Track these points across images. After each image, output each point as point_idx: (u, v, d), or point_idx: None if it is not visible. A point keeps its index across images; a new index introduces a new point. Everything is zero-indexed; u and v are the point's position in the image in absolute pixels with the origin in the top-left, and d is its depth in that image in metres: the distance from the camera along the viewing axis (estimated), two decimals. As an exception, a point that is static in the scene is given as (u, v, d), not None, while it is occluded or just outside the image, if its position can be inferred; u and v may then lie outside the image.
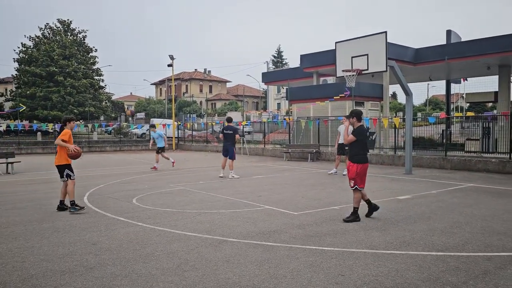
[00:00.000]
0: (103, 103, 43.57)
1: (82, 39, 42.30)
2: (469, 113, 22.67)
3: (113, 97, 68.18)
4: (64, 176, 7.85)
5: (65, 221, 6.99)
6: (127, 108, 77.92)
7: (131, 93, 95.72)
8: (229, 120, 13.56)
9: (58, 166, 7.91)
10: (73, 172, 7.93)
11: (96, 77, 42.22)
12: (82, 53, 41.10)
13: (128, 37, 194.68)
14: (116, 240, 5.75)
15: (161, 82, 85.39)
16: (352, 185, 6.90)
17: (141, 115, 64.94)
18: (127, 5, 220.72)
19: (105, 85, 45.60)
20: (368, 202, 7.09)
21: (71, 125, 8.19)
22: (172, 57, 31.79)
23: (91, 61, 42.16)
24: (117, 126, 38.48)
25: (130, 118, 65.09)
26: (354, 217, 6.82)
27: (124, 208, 8.02)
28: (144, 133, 38.09)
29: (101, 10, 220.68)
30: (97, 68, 42.89)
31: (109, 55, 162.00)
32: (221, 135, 13.51)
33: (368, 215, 7.08)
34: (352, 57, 13.10)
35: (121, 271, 4.51)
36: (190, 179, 12.59)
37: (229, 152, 13.01)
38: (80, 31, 42.30)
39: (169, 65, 32.32)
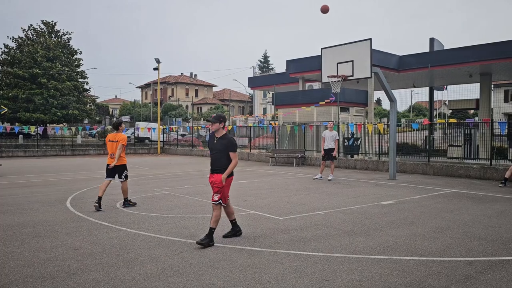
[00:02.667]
0: (87, 106, 43.08)
1: (67, 41, 41.82)
2: (452, 120, 23.06)
3: (98, 100, 67.51)
4: (122, 177, 8.66)
5: (46, 226, 6.87)
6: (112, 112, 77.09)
7: (116, 96, 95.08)
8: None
9: (115, 167, 8.56)
10: (123, 177, 8.71)
11: (80, 80, 41.75)
12: (66, 55, 40.61)
13: (113, 40, 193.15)
14: (98, 245, 5.67)
15: (147, 86, 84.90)
16: (217, 199, 5.74)
17: (126, 118, 64.38)
18: (113, 8, 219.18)
19: (90, 88, 45.15)
20: (234, 222, 6.17)
21: (122, 127, 9.00)
22: (158, 61, 31.64)
23: (76, 63, 41.69)
24: (101, 129, 38.02)
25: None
26: (209, 240, 5.63)
27: (107, 213, 7.92)
28: (129, 137, 37.78)
29: (86, 12, 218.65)
30: (82, 70, 42.44)
31: (94, 57, 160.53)
32: None
33: (227, 235, 6.04)
34: (338, 63, 13.23)
35: (104, 277, 4.45)
36: (175, 184, 12.51)
37: None
38: (65, 33, 41.82)
39: (155, 69, 32.14)
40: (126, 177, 8.71)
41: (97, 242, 5.83)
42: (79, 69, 42.02)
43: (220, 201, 5.80)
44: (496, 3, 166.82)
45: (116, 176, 8.67)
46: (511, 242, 5.86)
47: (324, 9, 10.25)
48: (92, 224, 6.95)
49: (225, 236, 6.07)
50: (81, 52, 42.52)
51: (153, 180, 13.61)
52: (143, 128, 32.79)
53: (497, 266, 4.84)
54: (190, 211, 8.13)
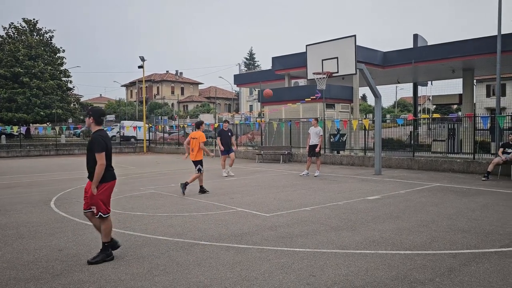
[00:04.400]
0: (71, 105, 42.49)
1: (49, 39, 41.14)
2: (436, 115, 23.38)
3: (82, 99, 66.70)
4: (196, 170, 9.96)
5: (30, 227, 6.77)
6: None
7: (100, 95, 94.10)
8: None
9: (194, 161, 10.02)
10: (202, 167, 10.06)
11: (64, 79, 41.13)
12: (49, 54, 39.94)
13: (97, 38, 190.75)
14: (83, 246, 5.61)
15: (132, 84, 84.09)
16: (96, 212, 5.02)
17: (111, 117, 63.71)
18: (97, 5, 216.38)
19: (74, 87, 44.55)
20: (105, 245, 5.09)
21: (203, 127, 10.52)
22: (142, 59, 31.35)
23: (59, 62, 41.04)
24: (86, 128, 37.54)
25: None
26: (104, 255, 4.95)
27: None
28: (114, 136, 37.36)
29: (68, 10, 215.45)
30: (65, 69, 41.80)
31: (78, 56, 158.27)
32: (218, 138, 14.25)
33: (92, 262, 4.88)
34: (323, 60, 13.28)
35: (89, 277, 4.40)
36: (161, 182, 12.44)
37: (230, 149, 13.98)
38: (47, 31, 41.12)
39: (140, 67, 31.85)
40: (199, 170, 9.98)
41: (82, 243, 5.76)
42: (62, 68, 41.37)
43: (100, 213, 4.97)
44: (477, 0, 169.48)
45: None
46: (494, 235, 5.96)
47: (267, 94, 11.23)
48: (77, 225, 6.87)
49: (90, 263, 4.83)
50: (64, 51, 41.87)
51: (139, 179, 13.51)
52: (129, 127, 32.49)
53: (480, 258, 4.92)
54: (176, 209, 8.09)
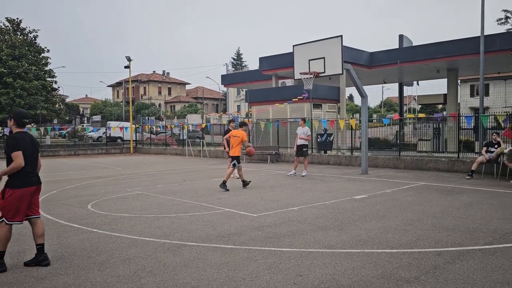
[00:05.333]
0: (57, 106, 42.00)
1: (33, 39, 40.61)
2: (421, 115, 23.65)
3: (68, 100, 65.90)
4: (231, 165, 10.85)
5: (13, 229, 6.63)
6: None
7: (86, 95, 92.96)
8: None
9: (232, 156, 10.98)
10: (239, 163, 10.99)
11: (48, 79, 40.65)
12: (33, 54, 39.45)
13: (83, 38, 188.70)
14: (69, 248, 5.54)
15: (118, 84, 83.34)
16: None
17: (97, 118, 63.08)
18: (82, 5, 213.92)
19: (59, 87, 44.06)
20: (39, 248, 4.89)
21: (244, 128, 11.86)
22: (129, 59, 31.09)
23: (43, 62, 40.55)
24: (71, 129, 37.11)
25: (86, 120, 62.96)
26: (38, 260, 4.81)
27: (78, 215, 7.74)
28: (101, 137, 37.02)
29: (53, 10, 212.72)
30: (50, 69, 41.30)
31: (63, 56, 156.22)
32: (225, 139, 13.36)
33: (29, 263, 4.83)
34: (310, 60, 13.33)
35: (74, 280, 4.35)
36: (148, 183, 12.35)
37: None
38: (31, 30, 40.61)
39: (126, 67, 31.58)
40: (234, 165, 10.85)
41: (67, 245, 5.69)
42: (47, 68, 40.89)
43: (4, 219, 4.67)
44: (462, 1, 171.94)
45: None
46: (478, 232, 6.06)
47: (250, 152, 12.08)
48: (62, 227, 6.79)
49: (26, 264, 4.82)
50: (48, 51, 41.40)
51: (126, 180, 13.39)
52: (115, 128, 32.20)
53: (464, 255, 4.99)
54: (163, 210, 8.04)
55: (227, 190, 10.36)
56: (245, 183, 10.97)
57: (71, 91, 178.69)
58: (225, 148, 13.38)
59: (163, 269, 4.66)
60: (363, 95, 13.98)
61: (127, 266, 4.78)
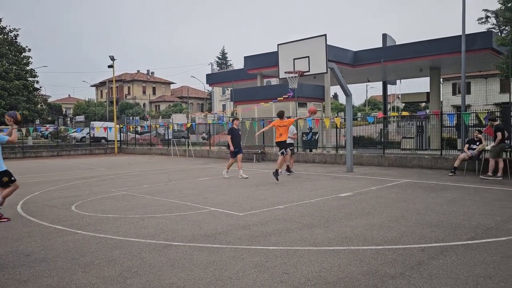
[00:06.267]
0: (39, 106, 41.33)
1: (14, 38, 39.84)
2: (404, 113, 23.92)
3: (50, 100, 64.91)
4: (280, 153, 11.51)
5: (-5, 232, 6.53)
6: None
7: (69, 95, 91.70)
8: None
9: (279, 142, 11.66)
10: (286, 150, 11.65)
11: (30, 79, 39.97)
12: (13, 53, 38.72)
13: (65, 37, 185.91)
14: (52, 250, 5.46)
15: (102, 84, 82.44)
16: None
17: (80, 118, 62.26)
18: (64, 4, 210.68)
19: (41, 87, 43.39)
20: None
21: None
22: (112, 58, 30.75)
23: (24, 61, 39.83)
24: (54, 130, 36.55)
25: (69, 121, 62.06)
26: None
27: (62, 216, 7.63)
28: (84, 137, 36.56)
29: (35, 8, 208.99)
30: (31, 69, 40.61)
31: (45, 55, 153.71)
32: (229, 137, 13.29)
33: None
34: (294, 59, 13.37)
35: (58, 283, 4.29)
36: (133, 184, 12.24)
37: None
38: (12, 29, 39.83)
39: (110, 66, 31.23)
40: (282, 153, 11.44)
41: (50, 247, 5.61)
42: (28, 68, 40.19)
43: None
44: (443, 1, 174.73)
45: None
46: (461, 228, 6.16)
47: (312, 111, 12.21)
48: (45, 228, 6.68)
49: None
50: (30, 50, 40.69)
51: (110, 180, 13.25)
52: (99, 128, 31.84)
53: (447, 251, 5.08)
54: (149, 211, 7.98)
55: (277, 180, 11.20)
56: (289, 170, 12.26)
57: (54, 91, 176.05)
58: (229, 147, 13.23)
59: (148, 269, 4.63)
60: (347, 94, 14.09)
61: (112, 267, 4.74)
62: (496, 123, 11.86)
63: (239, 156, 13.17)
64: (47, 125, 45.05)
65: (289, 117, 14.49)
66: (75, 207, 8.47)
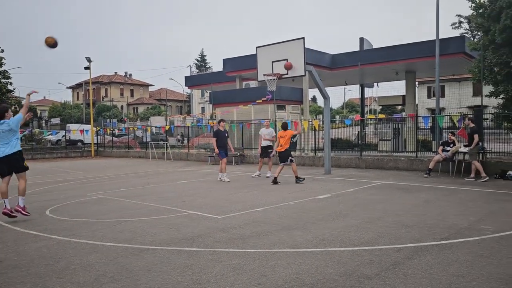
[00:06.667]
0: (12, 108, 40.21)
1: (-14, 38, 38.71)
2: (381, 115, 24.31)
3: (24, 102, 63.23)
4: (289, 161, 11.86)
5: (-35, 238, 6.32)
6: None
7: (44, 97, 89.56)
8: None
9: (282, 154, 11.99)
10: (291, 158, 12.05)
11: (3, 80, 38.83)
12: (-15, 54, 37.53)
13: (40, 37, 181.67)
14: (26, 256, 5.32)
15: (78, 86, 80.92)
16: None
17: (56, 120, 60.96)
18: (39, 4, 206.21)
19: (14, 89, 42.08)
20: None
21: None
22: (89, 59, 30.27)
23: (-3, 62, 38.69)
24: (28, 132, 35.65)
25: (44, 124, 60.69)
26: None
27: (36, 221, 7.45)
28: (60, 140, 35.80)
29: (8, 8, 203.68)
30: (4, 70, 39.50)
31: (19, 56, 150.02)
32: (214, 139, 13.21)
33: None
34: (273, 62, 13.43)
35: (31, 289, 4.19)
36: (110, 187, 12.06)
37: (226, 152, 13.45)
38: (-17, 29, 38.70)
39: (86, 68, 30.74)
40: (291, 161, 11.90)
41: (24, 253, 5.47)
42: (1, 69, 39.09)
43: None
44: (418, 6, 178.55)
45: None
46: (435, 228, 6.29)
47: (288, 66, 12.54)
48: (19, 234, 6.51)
49: None
50: (2, 51, 39.42)
51: (87, 184, 13.02)
52: (75, 130, 31.24)
53: (422, 251, 5.18)
54: (126, 214, 7.87)
55: (303, 179, 11.90)
56: (298, 179, 11.98)
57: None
58: (214, 150, 13.29)
59: (125, 274, 4.56)
60: (325, 97, 14.24)
61: (87, 272, 4.65)
62: (472, 125, 12.12)
63: (224, 159, 12.99)
64: (21, 128, 43.99)
65: (268, 120, 14.52)
66: (49, 212, 8.28)
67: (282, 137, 12.06)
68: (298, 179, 11.85)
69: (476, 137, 11.83)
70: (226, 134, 13.37)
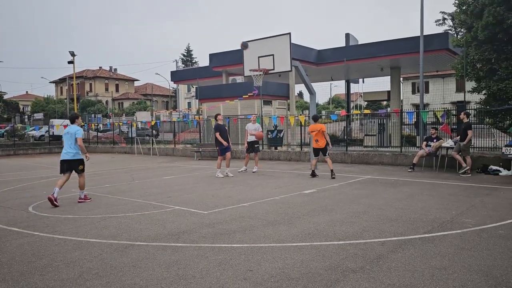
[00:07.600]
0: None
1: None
2: (366, 111, 24.51)
3: (6, 97, 62.20)
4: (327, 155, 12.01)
5: None
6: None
7: (27, 92, 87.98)
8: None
9: (321, 149, 12.05)
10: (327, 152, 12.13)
11: (-17, 74, 38.03)
12: (-35, 47, 36.73)
13: (23, 31, 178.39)
14: (7, 253, 5.24)
15: (62, 80, 79.69)
16: None
17: (39, 115, 59.94)
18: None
19: (-5, 83, 41.34)
20: None
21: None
22: (73, 54, 29.84)
23: (-23, 56, 37.88)
24: (10, 128, 35.01)
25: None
26: None
27: (18, 217, 7.34)
28: (43, 135, 35.26)
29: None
30: (-15, 64, 38.67)
31: (0, 51, 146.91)
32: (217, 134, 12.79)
33: None
34: (259, 57, 13.40)
35: (13, 287, 4.12)
36: (95, 183, 11.93)
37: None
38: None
39: (70, 62, 30.32)
40: (327, 155, 11.98)
41: (5, 250, 5.38)
42: (-19, 63, 38.25)
43: None
44: (405, 3, 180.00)
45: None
46: (418, 222, 6.38)
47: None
48: (0, 231, 6.40)
49: None
50: (-17, 44, 38.74)
51: (70, 180, 12.73)
52: (59, 126, 30.77)
53: (406, 244, 5.25)
54: (111, 210, 7.80)
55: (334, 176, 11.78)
56: (313, 174, 12.06)
57: (10, 87, 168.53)
58: (222, 144, 12.73)
59: (109, 270, 4.52)
60: (311, 92, 14.28)
61: (71, 269, 4.60)
62: (466, 120, 12.09)
63: (229, 153, 12.86)
64: (3, 123, 43.11)
65: (255, 115, 14.50)
66: (32, 208, 8.16)
67: (314, 131, 12.02)
68: (332, 173, 11.82)
69: (469, 132, 11.86)
70: (226, 127, 13.19)
